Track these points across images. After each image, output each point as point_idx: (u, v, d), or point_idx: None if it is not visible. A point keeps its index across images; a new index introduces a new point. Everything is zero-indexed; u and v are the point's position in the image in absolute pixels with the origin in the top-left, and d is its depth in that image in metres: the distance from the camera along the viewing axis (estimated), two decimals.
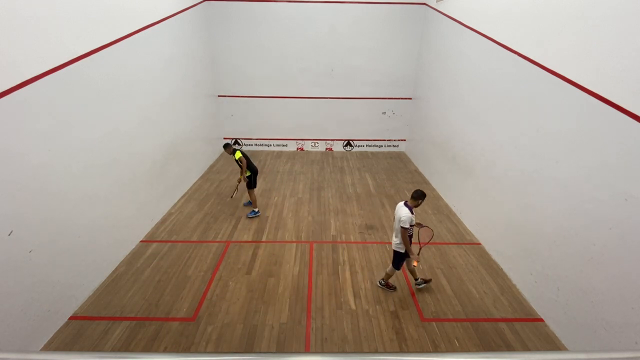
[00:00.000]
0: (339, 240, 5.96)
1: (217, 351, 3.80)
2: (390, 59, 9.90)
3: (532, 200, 4.51)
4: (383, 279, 4.71)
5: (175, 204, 7.12)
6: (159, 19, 6.28)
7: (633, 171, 3.12)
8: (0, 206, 3.22)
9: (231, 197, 7.21)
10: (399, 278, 4.95)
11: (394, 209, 4.39)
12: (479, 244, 5.85)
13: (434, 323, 4.16)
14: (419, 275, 4.78)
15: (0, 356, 0.53)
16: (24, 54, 3.49)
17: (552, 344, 3.88)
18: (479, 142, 6.01)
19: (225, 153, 7.42)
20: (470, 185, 6.30)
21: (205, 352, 3.78)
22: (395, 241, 4.27)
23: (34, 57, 3.60)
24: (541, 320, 4.21)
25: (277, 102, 10.38)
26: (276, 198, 7.55)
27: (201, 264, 5.21)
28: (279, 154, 10.64)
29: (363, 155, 10.76)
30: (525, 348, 3.82)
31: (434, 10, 8.47)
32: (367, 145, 11.10)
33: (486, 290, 4.74)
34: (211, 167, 9.45)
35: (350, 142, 11.05)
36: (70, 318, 4.12)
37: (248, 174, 6.50)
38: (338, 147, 11.11)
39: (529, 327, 4.10)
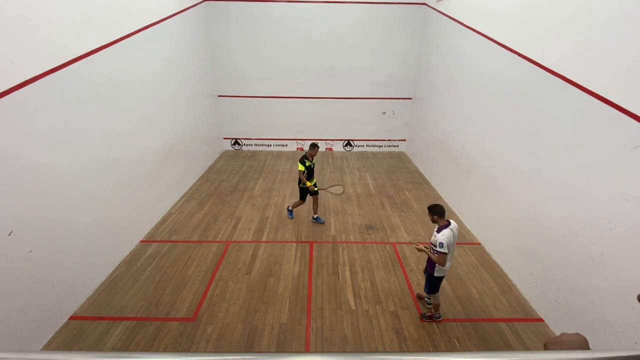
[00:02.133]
0: (339, 240, 5.96)
1: (217, 351, 3.80)
2: (390, 59, 9.90)
3: (532, 200, 4.51)
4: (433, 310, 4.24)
5: (175, 204, 7.12)
6: (159, 19, 6.28)
7: (633, 171, 3.12)
8: (0, 206, 3.22)
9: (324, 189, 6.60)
10: (399, 279, 4.96)
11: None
12: (479, 244, 5.85)
13: (434, 323, 4.16)
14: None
15: (0, 356, 0.53)
16: (24, 54, 3.48)
17: None
18: (479, 142, 6.01)
19: (309, 154, 6.00)
20: (470, 185, 6.30)
21: (205, 352, 3.78)
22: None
23: (34, 57, 3.60)
24: (541, 320, 4.21)
25: (277, 102, 10.38)
26: (276, 198, 7.54)
27: (201, 264, 5.21)
28: (279, 154, 10.64)
29: (363, 155, 10.76)
30: (525, 348, 3.82)
31: (434, 10, 8.47)
32: (367, 145, 11.10)
33: (486, 290, 4.74)
34: (211, 167, 9.45)
35: (350, 142, 11.05)
36: (70, 318, 4.12)
37: (310, 183, 6.06)
38: (338, 147, 11.10)
39: (529, 327, 4.10)
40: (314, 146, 5.92)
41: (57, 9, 3.89)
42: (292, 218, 6.62)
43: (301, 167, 5.91)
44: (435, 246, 3.66)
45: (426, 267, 4.03)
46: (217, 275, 4.96)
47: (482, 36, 5.91)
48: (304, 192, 6.23)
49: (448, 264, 3.82)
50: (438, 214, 3.72)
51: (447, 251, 3.62)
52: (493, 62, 5.55)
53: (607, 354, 0.58)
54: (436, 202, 3.68)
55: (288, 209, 6.70)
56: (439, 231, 3.68)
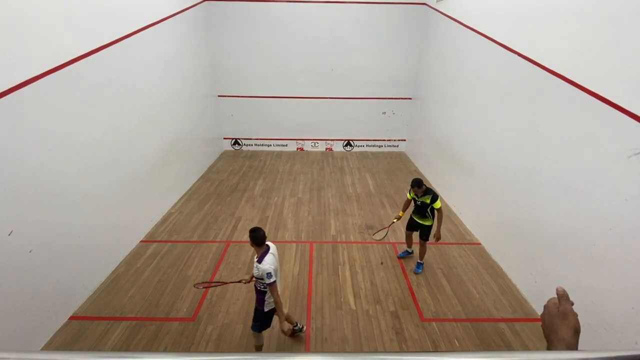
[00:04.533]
0: (339, 240, 5.96)
1: (217, 351, 3.80)
2: (390, 59, 9.90)
3: (532, 200, 4.51)
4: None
5: (175, 204, 7.12)
6: (159, 19, 6.28)
7: (633, 171, 3.12)
8: (0, 206, 3.22)
9: (378, 234, 5.18)
10: (399, 278, 4.96)
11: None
12: (479, 244, 5.85)
13: (434, 323, 4.16)
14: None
15: (0, 356, 0.53)
16: (24, 54, 3.48)
17: None
18: (479, 141, 6.01)
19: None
20: (470, 185, 6.30)
21: (205, 352, 3.78)
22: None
23: (34, 57, 3.60)
24: (541, 320, 4.20)
25: (277, 102, 10.38)
26: (276, 198, 7.55)
27: (201, 264, 5.21)
28: (279, 154, 10.64)
29: (363, 155, 10.76)
30: (525, 348, 3.82)
31: (434, 10, 8.47)
32: (367, 145, 11.10)
33: (486, 290, 4.74)
34: (211, 167, 9.45)
35: (350, 142, 11.05)
36: (70, 318, 4.12)
37: (431, 223, 4.90)
38: (338, 147, 11.10)
39: (529, 327, 4.10)
40: (414, 185, 4.64)
41: (57, 9, 3.89)
42: (419, 273, 5.12)
43: (408, 196, 4.93)
44: (264, 279, 3.07)
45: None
46: (217, 275, 4.96)
47: (482, 36, 5.91)
48: (421, 230, 4.98)
49: (279, 290, 3.37)
50: (257, 241, 3.12)
51: (276, 279, 3.13)
52: (493, 62, 5.55)
53: (607, 354, 0.58)
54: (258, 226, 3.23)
55: (419, 263, 5.17)
56: (260, 261, 3.12)
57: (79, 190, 4.26)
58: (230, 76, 10.00)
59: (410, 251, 5.48)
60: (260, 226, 3.24)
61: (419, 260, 5.14)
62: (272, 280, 3.05)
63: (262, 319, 3.39)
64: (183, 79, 7.58)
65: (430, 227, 4.92)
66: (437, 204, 4.64)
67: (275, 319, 3.48)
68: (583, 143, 3.69)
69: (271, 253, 3.20)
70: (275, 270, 3.14)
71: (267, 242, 3.28)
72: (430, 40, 8.89)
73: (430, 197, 4.67)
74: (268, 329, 3.85)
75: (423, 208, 4.84)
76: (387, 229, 5.10)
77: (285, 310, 3.82)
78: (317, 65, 9.95)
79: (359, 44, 9.70)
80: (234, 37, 9.51)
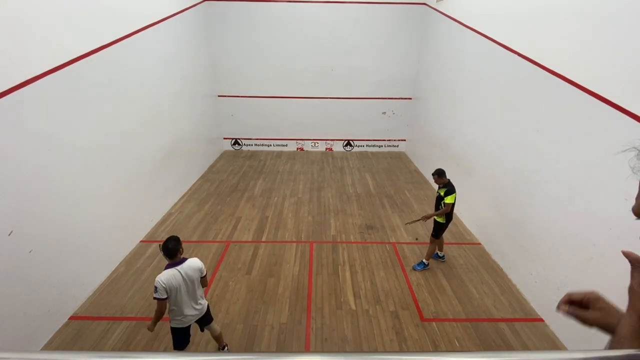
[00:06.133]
0: (339, 240, 5.96)
1: (217, 351, 3.80)
2: (390, 59, 9.90)
3: (532, 200, 4.51)
4: None
5: (175, 204, 7.12)
6: (159, 19, 6.28)
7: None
8: (0, 206, 3.22)
9: (408, 223, 5.48)
10: (399, 279, 4.96)
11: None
12: (479, 244, 5.85)
13: (434, 323, 4.16)
14: None
15: (0, 356, 0.53)
16: (24, 54, 3.48)
17: (552, 344, 3.88)
18: (478, 142, 6.01)
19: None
20: (470, 185, 6.29)
21: (205, 352, 3.78)
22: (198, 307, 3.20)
23: (34, 57, 3.59)
24: (541, 320, 4.21)
25: (277, 102, 10.38)
26: (276, 198, 7.55)
27: None
28: (279, 154, 10.64)
29: (363, 155, 10.76)
30: (525, 348, 3.82)
31: (434, 10, 8.47)
32: (367, 145, 11.10)
33: (486, 290, 4.73)
34: (211, 167, 9.45)
35: (350, 142, 11.05)
36: (70, 318, 4.12)
37: (442, 220, 4.83)
38: (338, 147, 11.10)
39: (529, 327, 4.10)
40: (434, 173, 4.84)
41: (57, 9, 3.89)
42: (417, 270, 5.10)
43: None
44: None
45: None
46: (217, 275, 4.96)
47: (482, 36, 5.91)
48: (433, 226, 4.99)
49: (192, 310, 3.11)
50: (164, 252, 2.93)
51: (163, 297, 2.85)
52: (493, 62, 5.55)
53: (607, 353, 0.58)
54: (435, 199, 3.03)
55: (422, 262, 5.13)
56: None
57: (79, 190, 4.26)
58: (230, 76, 10.00)
59: (440, 255, 5.34)
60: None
61: (423, 260, 5.13)
62: (155, 295, 2.85)
63: (173, 337, 3.21)
64: (183, 79, 7.58)
65: (441, 224, 4.85)
66: (448, 199, 4.61)
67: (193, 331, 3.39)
68: (583, 143, 3.69)
69: (177, 269, 2.93)
70: (169, 289, 2.87)
71: (191, 258, 3.08)
72: (430, 40, 8.88)
73: (445, 190, 4.65)
74: (267, 330, 3.84)
75: (438, 201, 4.79)
76: (418, 221, 5.15)
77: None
78: (317, 65, 9.94)
79: (359, 44, 9.70)
80: (234, 37, 9.51)
